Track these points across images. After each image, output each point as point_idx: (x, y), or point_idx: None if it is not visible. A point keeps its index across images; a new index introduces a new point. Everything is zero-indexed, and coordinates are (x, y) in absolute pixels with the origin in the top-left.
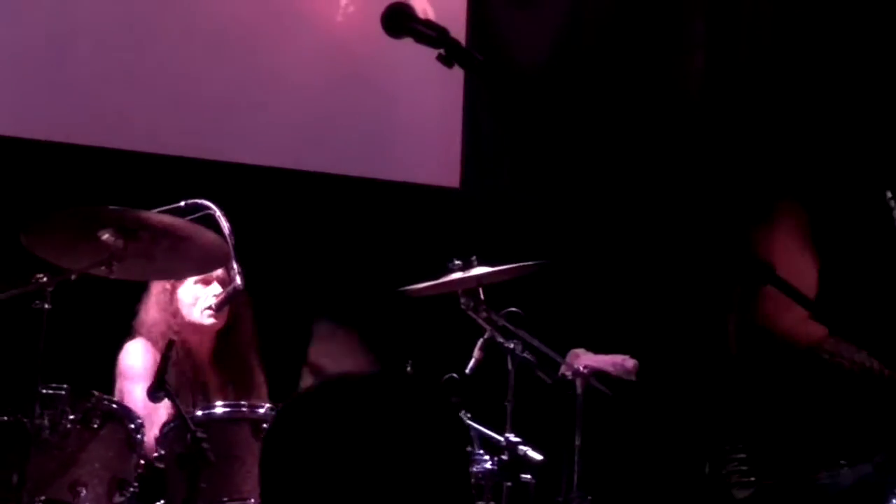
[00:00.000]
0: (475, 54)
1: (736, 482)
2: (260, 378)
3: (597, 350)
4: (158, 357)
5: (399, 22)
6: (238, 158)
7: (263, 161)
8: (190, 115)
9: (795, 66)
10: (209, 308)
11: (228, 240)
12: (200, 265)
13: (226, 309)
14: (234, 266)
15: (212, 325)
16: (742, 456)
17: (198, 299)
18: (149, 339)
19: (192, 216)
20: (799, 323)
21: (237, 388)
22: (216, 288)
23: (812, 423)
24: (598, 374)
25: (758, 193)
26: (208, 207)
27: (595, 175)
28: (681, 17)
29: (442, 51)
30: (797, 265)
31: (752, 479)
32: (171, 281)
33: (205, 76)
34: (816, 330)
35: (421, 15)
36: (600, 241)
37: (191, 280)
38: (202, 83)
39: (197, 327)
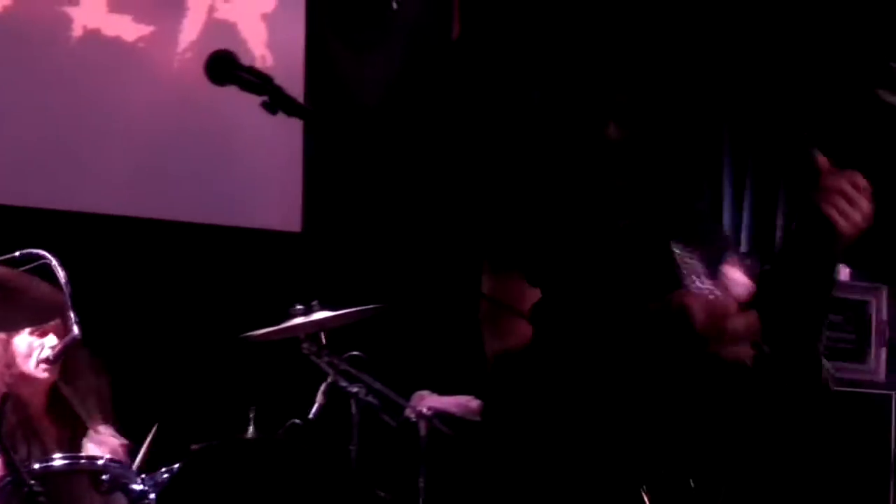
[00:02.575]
0: (296, 100)
1: None
2: (101, 427)
3: (441, 392)
4: None
5: (222, 69)
6: (76, 207)
7: (103, 209)
8: (23, 163)
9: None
10: (45, 361)
11: (65, 289)
12: (35, 317)
13: (60, 360)
14: (72, 316)
15: (46, 379)
16: None
17: (33, 350)
18: None
19: (26, 266)
20: None
21: (78, 439)
22: (52, 339)
23: None
24: (442, 415)
25: None
26: (44, 257)
27: (434, 214)
28: (518, 54)
29: (266, 98)
30: None
31: None
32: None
33: (40, 123)
34: None
35: (258, 62)
36: (442, 282)
37: (26, 330)
38: (37, 130)
39: (31, 379)
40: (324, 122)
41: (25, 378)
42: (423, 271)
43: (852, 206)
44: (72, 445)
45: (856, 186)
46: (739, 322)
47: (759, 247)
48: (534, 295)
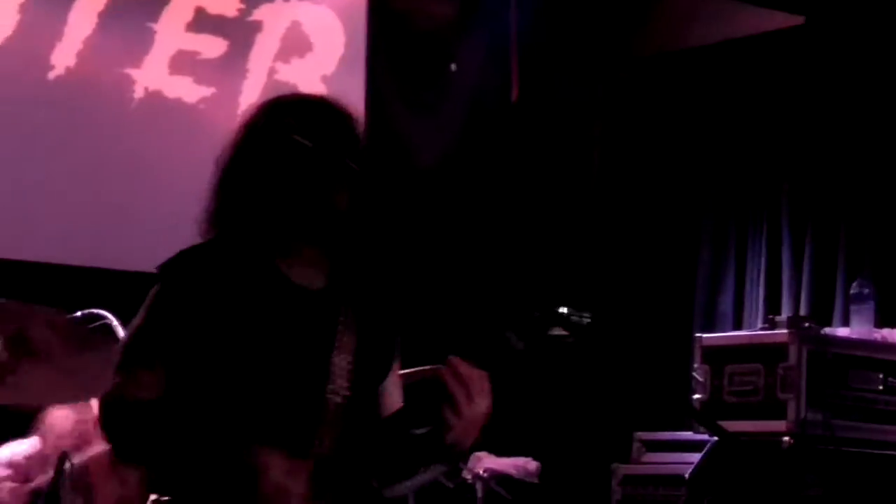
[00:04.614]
0: (352, 164)
1: None
2: None
3: (499, 453)
4: (44, 457)
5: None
6: (137, 267)
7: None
8: (85, 224)
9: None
10: None
11: None
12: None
13: None
14: None
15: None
16: None
17: None
18: (44, 437)
19: (87, 326)
20: None
21: (135, 493)
22: None
23: None
24: (499, 477)
25: None
26: (104, 317)
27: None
28: (579, 119)
29: None
30: None
31: None
32: None
33: (101, 183)
34: None
35: None
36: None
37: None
38: (99, 190)
39: (97, 440)
40: (374, 183)
41: (93, 437)
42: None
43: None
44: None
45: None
46: None
47: (819, 309)
48: None
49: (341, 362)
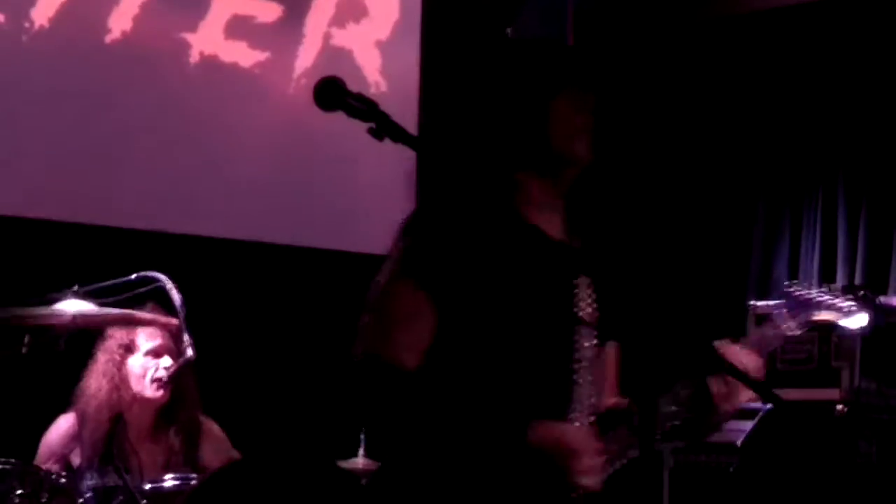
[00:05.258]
0: (402, 127)
1: None
2: (214, 435)
3: None
4: (76, 432)
5: (329, 95)
6: (191, 230)
7: (219, 233)
8: (140, 187)
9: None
10: (158, 380)
11: (180, 312)
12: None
13: (172, 380)
14: (186, 338)
15: (159, 399)
16: None
17: (147, 370)
18: (85, 409)
19: (142, 289)
20: None
21: (180, 458)
22: (167, 360)
23: None
24: None
25: None
26: (159, 280)
27: None
28: (635, 86)
29: (373, 124)
30: None
31: None
32: (121, 352)
33: (157, 147)
34: None
35: (372, 88)
36: None
37: (141, 352)
38: (153, 154)
39: (142, 400)
40: (429, 150)
41: (136, 399)
42: None
43: None
44: (166, 467)
45: None
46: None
47: (874, 277)
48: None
49: (585, 327)
